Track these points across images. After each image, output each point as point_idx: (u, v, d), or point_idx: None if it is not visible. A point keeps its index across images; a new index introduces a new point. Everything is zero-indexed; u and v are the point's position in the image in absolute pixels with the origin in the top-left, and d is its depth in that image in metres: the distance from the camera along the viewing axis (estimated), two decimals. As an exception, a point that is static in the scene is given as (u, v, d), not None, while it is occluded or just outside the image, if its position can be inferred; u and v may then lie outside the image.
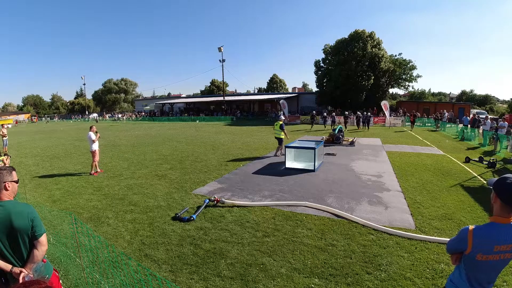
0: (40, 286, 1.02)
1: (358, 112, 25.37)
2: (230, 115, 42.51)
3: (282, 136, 11.30)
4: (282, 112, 30.81)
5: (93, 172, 8.94)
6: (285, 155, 9.35)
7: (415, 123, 24.25)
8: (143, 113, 58.51)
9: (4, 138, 14.72)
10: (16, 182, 2.17)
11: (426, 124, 26.67)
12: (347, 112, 28.19)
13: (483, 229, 1.65)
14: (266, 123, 30.98)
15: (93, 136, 8.89)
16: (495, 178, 1.84)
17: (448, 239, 1.92)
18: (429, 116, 29.46)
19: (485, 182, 7.45)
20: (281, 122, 11.43)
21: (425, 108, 35.74)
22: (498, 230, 1.62)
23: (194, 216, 5.15)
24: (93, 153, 8.91)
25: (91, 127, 9.25)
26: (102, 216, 5.45)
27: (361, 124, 22.88)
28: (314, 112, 29.34)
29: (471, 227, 1.70)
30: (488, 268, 1.69)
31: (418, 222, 4.92)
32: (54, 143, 17.90)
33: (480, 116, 22.82)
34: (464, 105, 37.60)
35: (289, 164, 9.29)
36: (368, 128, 21.78)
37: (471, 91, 66.25)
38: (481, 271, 1.71)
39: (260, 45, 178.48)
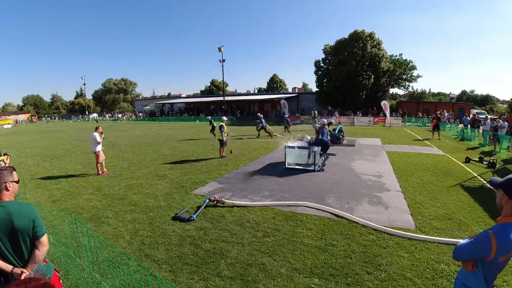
0: (38, 283, 1.02)
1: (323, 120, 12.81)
2: (230, 115, 42.49)
3: (221, 138, 10.89)
4: (284, 112, 30.68)
5: (100, 172, 8.82)
6: (285, 155, 9.35)
7: (441, 129, 18.19)
8: (140, 114, 58.19)
9: None
10: (17, 182, 2.17)
11: (426, 124, 26.71)
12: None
13: (503, 233, 1.66)
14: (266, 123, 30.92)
15: (98, 137, 8.68)
16: (497, 178, 1.84)
17: (457, 245, 1.86)
18: (429, 116, 29.54)
19: (485, 182, 7.45)
20: (221, 123, 10.92)
21: (425, 108, 35.76)
22: None
23: (194, 216, 5.15)
24: (96, 153, 8.71)
25: (96, 128, 9.00)
26: (102, 216, 5.45)
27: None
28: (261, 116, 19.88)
29: (491, 233, 1.68)
30: (504, 265, 1.75)
31: (418, 222, 4.92)
32: (54, 143, 17.89)
33: (480, 116, 22.83)
34: (464, 105, 37.58)
35: (289, 164, 9.29)
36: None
37: (472, 91, 66.16)
38: (498, 269, 1.77)
39: (261, 45, 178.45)
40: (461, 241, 1.85)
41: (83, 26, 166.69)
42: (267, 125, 19.19)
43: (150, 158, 11.54)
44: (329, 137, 9.10)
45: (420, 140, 16.54)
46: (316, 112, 28.21)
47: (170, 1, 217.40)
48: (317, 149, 8.79)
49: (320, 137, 9.11)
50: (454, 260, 1.98)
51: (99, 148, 8.69)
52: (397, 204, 5.81)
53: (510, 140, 11.78)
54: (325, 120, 9.84)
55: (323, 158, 8.94)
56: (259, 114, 22.36)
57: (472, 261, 1.78)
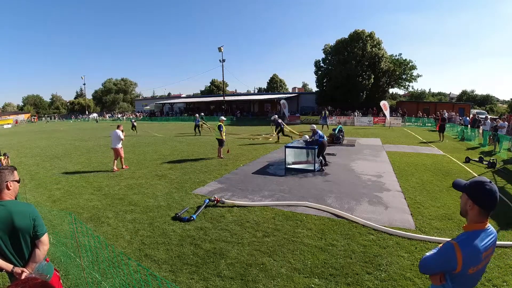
0: (36, 282, 1.03)
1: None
2: (230, 115, 42.51)
3: (220, 137, 11.03)
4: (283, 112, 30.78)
5: (116, 168, 9.21)
6: (285, 155, 9.35)
7: (445, 130, 16.51)
8: (138, 114, 58.03)
9: None
10: (18, 181, 2.18)
11: (426, 124, 26.73)
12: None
13: (469, 243, 1.51)
14: (266, 123, 30.96)
15: (121, 134, 9.24)
16: (462, 180, 1.67)
17: (423, 257, 1.67)
18: (429, 116, 29.57)
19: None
20: (219, 123, 11.18)
21: (425, 108, 35.77)
22: (481, 237, 1.53)
23: (194, 216, 5.15)
24: (119, 150, 9.17)
25: (118, 126, 9.51)
26: (102, 216, 5.45)
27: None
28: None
29: (455, 243, 1.51)
30: (477, 275, 1.61)
31: (418, 222, 4.92)
32: (54, 143, 17.89)
33: (480, 116, 22.84)
34: (464, 105, 37.60)
35: (289, 164, 9.30)
36: None
37: (472, 91, 66.06)
38: (471, 281, 1.61)
39: (261, 45, 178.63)
40: (428, 253, 1.67)
41: (83, 26, 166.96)
42: (200, 123, 21.57)
43: (150, 158, 11.54)
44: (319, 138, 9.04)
45: (425, 142, 15.17)
46: (327, 112, 26.31)
47: (170, 1, 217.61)
48: (315, 148, 8.79)
49: (316, 137, 9.04)
50: (421, 273, 1.76)
51: (120, 144, 9.24)
52: (397, 204, 5.82)
53: (511, 140, 11.79)
54: (314, 125, 9.91)
55: (321, 158, 8.94)
56: (196, 114, 23.91)
57: (440, 274, 1.60)
